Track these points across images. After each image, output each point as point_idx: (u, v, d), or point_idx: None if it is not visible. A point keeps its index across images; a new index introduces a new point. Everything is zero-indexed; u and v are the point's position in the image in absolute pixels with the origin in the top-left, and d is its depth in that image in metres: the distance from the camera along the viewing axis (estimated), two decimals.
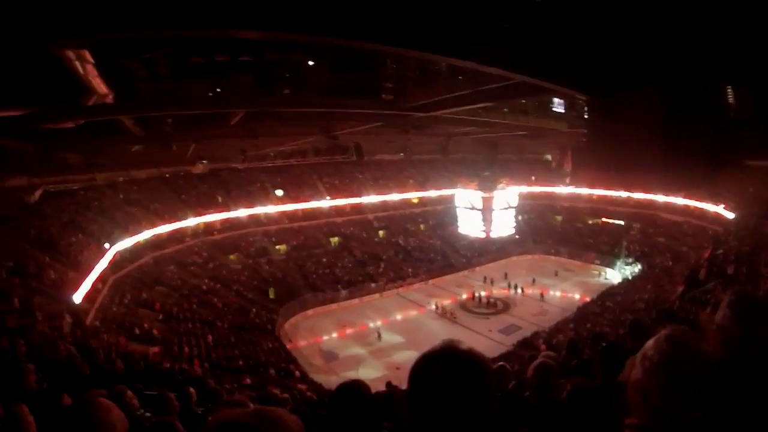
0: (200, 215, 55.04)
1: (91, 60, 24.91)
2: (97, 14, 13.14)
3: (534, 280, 54.93)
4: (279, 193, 62.71)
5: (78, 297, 32.75)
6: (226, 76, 33.56)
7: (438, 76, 38.87)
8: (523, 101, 50.04)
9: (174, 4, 13.45)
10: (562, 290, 53.90)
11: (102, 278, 38.77)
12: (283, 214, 61.63)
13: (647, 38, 16.27)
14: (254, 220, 59.60)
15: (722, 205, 51.58)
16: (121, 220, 48.12)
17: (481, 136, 59.95)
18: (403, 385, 18.32)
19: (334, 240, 62.19)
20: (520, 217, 58.43)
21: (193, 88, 34.00)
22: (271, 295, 50.05)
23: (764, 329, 2.47)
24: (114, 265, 42.56)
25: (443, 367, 1.74)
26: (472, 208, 51.82)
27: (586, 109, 33.03)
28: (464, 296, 52.67)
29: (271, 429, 1.44)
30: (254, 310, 45.77)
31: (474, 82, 33.60)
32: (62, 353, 11.03)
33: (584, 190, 68.71)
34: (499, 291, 53.65)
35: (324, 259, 58.41)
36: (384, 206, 68.12)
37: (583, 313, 43.41)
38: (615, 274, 56.78)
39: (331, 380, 32.23)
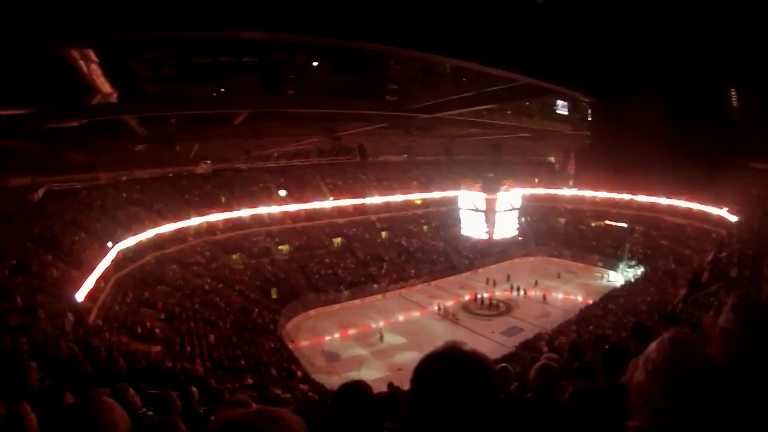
0: (203, 215, 55.08)
1: (96, 59, 24.93)
2: (102, 15, 13.16)
3: (536, 282, 54.93)
4: (282, 193, 62.76)
5: (80, 296, 32.79)
6: (230, 76, 33.55)
7: (442, 78, 38.81)
8: (527, 103, 49.98)
9: (178, 4, 13.47)
10: (565, 292, 53.88)
11: (104, 277, 38.84)
12: (286, 214, 61.70)
13: (651, 40, 16.25)
14: (257, 220, 59.69)
15: (726, 208, 51.45)
16: (124, 220, 48.19)
17: (484, 138, 59.90)
18: (405, 386, 18.33)
19: (337, 241, 62.22)
20: (523, 219, 58.39)
21: (197, 89, 34.01)
22: (274, 296, 50.08)
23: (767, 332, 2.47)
24: (116, 264, 42.65)
25: (446, 368, 1.74)
26: (476, 210, 51.78)
27: (589, 111, 33.01)
28: (467, 298, 52.68)
29: (274, 429, 1.44)
30: (256, 310, 45.82)
31: (478, 83, 33.58)
32: (64, 352, 11.02)
33: (587, 193, 68.64)
34: (501, 293, 53.63)
35: (326, 260, 58.44)
36: (387, 207, 68.19)
37: (585, 315, 43.35)
38: (618, 277, 56.71)
39: (332, 381, 32.24)
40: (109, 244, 42.55)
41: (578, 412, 4.06)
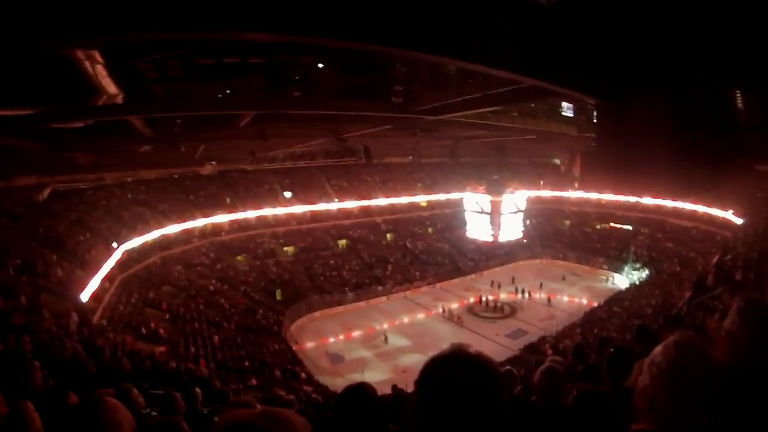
0: (208, 216, 55.13)
1: (101, 60, 25.00)
2: (108, 16, 13.19)
3: (541, 285, 54.77)
4: (287, 194, 62.77)
5: (85, 296, 32.84)
6: (236, 77, 33.61)
7: (447, 80, 38.84)
8: (533, 105, 49.95)
9: (185, 5, 13.49)
10: (570, 295, 53.80)
11: (109, 277, 38.90)
12: (291, 215, 61.68)
13: (656, 42, 16.24)
14: (262, 221, 59.67)
15: (731, 211, 51.35)
16: (129, 220, 48.28)
17: (490, 140, 59.91)
18: (410, 388, 18.31)
19: (342, 242, 62.21)
20: (528, 221, 58.40)
21: (202, 90, 34.07)
22: (278, 297, 50.12)
23: None
24: (121, 264, 42.69)
25: (452, 370, 1.73)
26: (481, 212, 51.77)
27: (595, 113, 32.96)
28: (471, 300, 52.61)
29: (279, 430, 1.44)
30: (261, 311, 45.82)
31: (483, 86, 33.58)
32: (68, 351, 11.04)
33: (593, 195, 68.49)
34: (506, 295, 53.57)
35: (331, 261, 58.44)
36: (392, 209, 68.10)
37: (590, 318, 43.32)
38: (623, 279, 56.59)
39: (336, 382, 32.25)
40: (114, 244, 42.64)
41: (583, 416, 4.05)
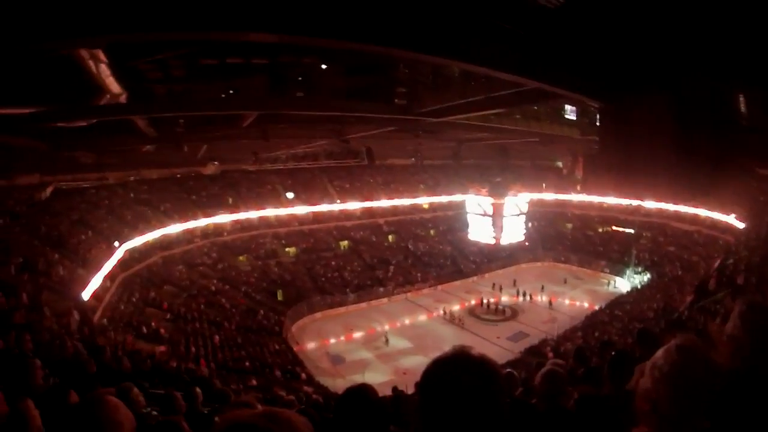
0: (210, 216, 55.16)
1: (105, 60, 25.02)
2: (111, 16, 13.20)
3: (543, 288, 54.75)
4: (290, 195, 62.79)
5: (86, 294, 32.85)
6: (240, 78, 33.62)
7: (451, 82, 38.85)
8: (536, 108, 49.95)
9: (189, 6, 13.50)
10: (571, 298, 53.75)
11: (111, 276, 38.91)
12: (293, 216, 61.68)
13: (658, 44, 16.24)
14: (264, 222, 59.68)
15: (733, 214, 51.25)
16: (131, 219, 48.31)
17: (492, 142, 59.92)
18: (410, 390, 18.30)
19: (344, 243, 62.23)
20: (530, 224, 58.34)
21: (205, 90, 34.08)
22: (280, 297, 50.15)
23: None
24: (123, 263, 42.69)
25: (455, 372, 1.73)
26: (483, 214, 51.75)
27: (597, 116, 32.93)
28: (473, 302, 52.58)
29: (280, 430, 1.44)
30: (262, 311, 45.82)
31: (486, 88, 33.59)
32: (69, 350, 11.05)
33: (595, 198, 68.44)
34: (507, 298, 53.56)
35: (333, 263, 58.45)
36: (394, 211, 68.09)
37: (591, 321, 43.26)
38: (624, 283, 56.52)
39: (337, 383, 32.24)
40: (116, 243, 42.64)
41: (584, 419, 4.04)
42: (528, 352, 37.34)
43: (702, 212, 57.23)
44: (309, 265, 56.83)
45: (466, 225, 56.02)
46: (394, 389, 17.73)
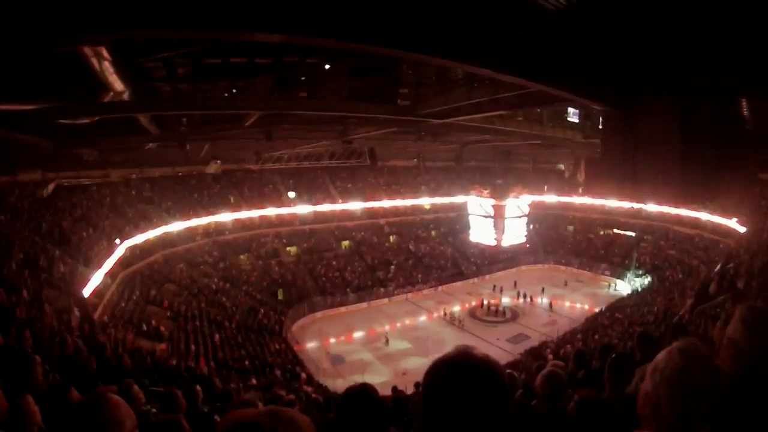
0: (212, 215, 55.16)
1: (108, 57, 25.00)
2: (115, 12, 13.21)
3: (543, 290, 54.87)
4: (291, 195, 62.81)
5: (87, 292, 32.84)
6: (243, 77, 33.58)
7: (454, 84, 38.75)
8: (538, 110, 49.87)
9: (194, 4, 13.51)
10: (572, 301, 53.83)
11: (112, 274, 38.89)
12: (295, 216, 61.70)
13: (664, 48, 16.22)
14: (266, 221, 59.68)
15: (735, 219, 51.21)
16: (133, 217, 48.35)
17: (495, 144, 59.84)
18: (410, 391, 18.30)
19: (345, 244, 62.27)
20: (531, 227, 58.30)
21: (209, 89, 34.05)
22: (280, 297, 50.20)
23: None
24: (124, 261, 42.67)
25: (459, 372, 1.74)
26: (485, 216, 51.73)
27: (600, 119, 32.88)
28: (473, 304, 52.61)
29: (284, 429, 1.44)
30: (263, 311, 45.85)
31: (490, 90, 33.53)
32: (70, 347, 11.05)
33: (597, 201, 68.44)
34: (508, 300, 53.63)
35: (334, 263, 58.48)
36: (396, 212, 68.06)
37: (591, 324, 43.21)
38: (625, 286, 56.54)
39: (337, 384, 32.29)
40: (117, 241, 42.65)
41: (585, 422, 4.04)
42: (528, 354, 37.34)
43: (703, 216, 57.20)
44: (310, 265, 56.89)
45: (468, 226, 55.99)
46: (394, 390, 17.76)
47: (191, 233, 53.02)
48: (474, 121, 41.36)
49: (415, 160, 69.17)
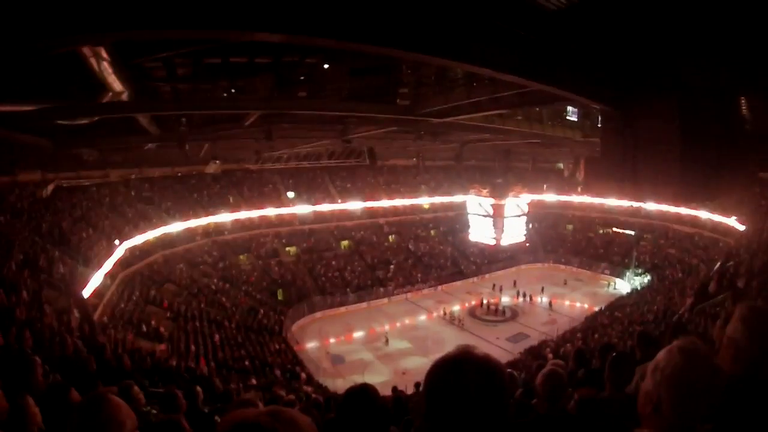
0: (212, 215, 55.14)
1: (108, 57, 24.98)
2: (117, 12, 13.19)
3: (543, 289, 54.86)
4: (291, 195, 62.79)
5: (87, 292, 32.80)
6: (243, 77, 33.55)
7: (454, 83, 38.73)
8: (537, 109, 49.84)
9: (194, 4, 13.50)
10: (571, 300, 53.80)
11: (111, 274, 38.87)
12: (295, 216, 61.67)
13: (665, 47, 16.21)
14: (265, 221, 59.64)
15: (734, 217, 51.20)
16: (133, 217, 48.34)
17: (494, 143, 59.80)
18: (410, 391, 18.30)
19: (345, 243, 62.24)
20: (531, 226, 58.28)
21: (209, 89, 34.02)
22: (280, 297, 50.20)
23: None
24: (124, 261, 42.64)
25: (460, 371, 1.74)
26: (485, 215, 51.70)
27: (599, 118, 32.85)
28: (473, 303, 52.60)
29: (285, 429, 1.44)
30: (262, 311, 45.83)
31: (490, 89, 33.51)
32: (69, 348, 11.07)
33: (596, 200, 68.47)
34: (508, 299, 53.63)
35: (334, 263, 58.46)
36: (395, 211, 68.05)
37: (591, 323, 43.19)
38: (625, 285, 56.54)
39: (337, 383, 32.29)
40: (116, 241, 42.63)
41: (585, 421, 4.04)
42: (527, 353, 37.32)
43: (703, 215, 57.22)
44: (310, 265, 56.88)
45: (467, 226, 55.95)
46: (394, 389, 17.76)
47: (191, 233, 53.00)
48: (474, 120, 41.34)
49: (415, 159, 69.15)
